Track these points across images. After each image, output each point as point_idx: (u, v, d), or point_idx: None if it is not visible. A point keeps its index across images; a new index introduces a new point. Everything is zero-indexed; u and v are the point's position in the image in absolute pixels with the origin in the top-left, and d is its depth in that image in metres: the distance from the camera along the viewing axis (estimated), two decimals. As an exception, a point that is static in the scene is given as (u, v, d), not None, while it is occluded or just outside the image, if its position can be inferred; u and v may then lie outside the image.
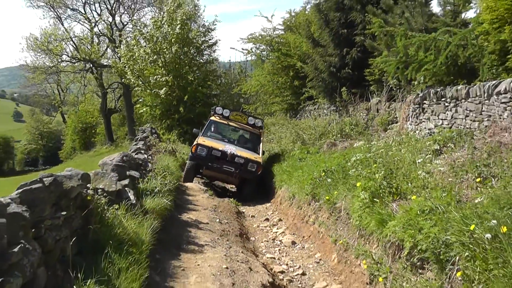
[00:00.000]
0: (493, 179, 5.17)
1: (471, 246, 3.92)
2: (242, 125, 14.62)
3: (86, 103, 43.53)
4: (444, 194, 4.92)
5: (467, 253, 3.96)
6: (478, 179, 5.16)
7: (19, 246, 3.07)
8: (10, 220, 3.16)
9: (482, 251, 3.79)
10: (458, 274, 4.02)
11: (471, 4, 9.70)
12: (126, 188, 5.99)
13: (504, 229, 3.68)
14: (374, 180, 6.26)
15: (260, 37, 22.96)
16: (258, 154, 13.59)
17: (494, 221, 3.83)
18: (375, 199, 6.01)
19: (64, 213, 4.13)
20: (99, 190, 5.38)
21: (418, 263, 4.78)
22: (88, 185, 5.01)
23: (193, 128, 16.60)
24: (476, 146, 6.34)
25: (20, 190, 3.74)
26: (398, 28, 10.23)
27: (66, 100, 48.13)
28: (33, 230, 3.58)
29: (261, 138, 14.55)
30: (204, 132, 13.97)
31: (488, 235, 3.77)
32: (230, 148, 12.83)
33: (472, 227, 3.94)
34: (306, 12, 21.59)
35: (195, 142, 12.93)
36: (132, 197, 5.90)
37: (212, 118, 14.66)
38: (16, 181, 24.38)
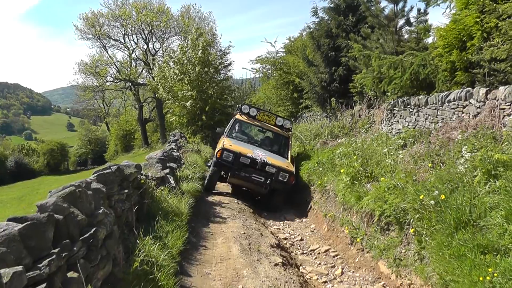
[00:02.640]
0: (441, 165, 5.67)
1: (420, 210, 4.46)
2: (270, 126, 11.34)
3: (126, 114, 44.55)
4: (403, 176, 5.44)
5: (417, 216, 4.49)
6: (429, 165, 5.67)
7: (102, 209, 3.63)
8: (94, 192, 3.73)
9: (427, 213, 4.33)
10: (411, 230, 4.55)
11: (430, 33, 10.11)
12: (167, 175, 6.55)
13: (443, 196, 4.21)
14: (354, 167, 6.78)
15: (265, 58, 23.38)
16: (287, 159, 10.34)
17: (436, 192, 4.36)
18: (354, 181, 6.53)
19: (126, 191, 4.71)
20: (149, 176, 5.95)
21: (385, 226, 5.30)
22: (142, 172, 5.58)
23: (213, 132, 16.49)
24: (431, 141, 6.82)
25: (96, 174, 4.32)
26: (374, 51, 10.71)
27: (110, 112, 49.10)
28: (107, 201, 4.16)
29: (290, 141, 11.32)
30: (228, 132, 10.91)
31: (432, 202, 4.30)
32: (260, 154, 9.57)
33: (421, 197, 4.47)
34: (303, 38, 21.99)
35: (220, 146, 9.73)
36: (172, 181, 6.46)
37: (238, 117, 11.38)
38: (72, 178, 25.09)
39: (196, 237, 5.59)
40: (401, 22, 11.90)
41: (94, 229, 3.26)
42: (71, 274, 2.53)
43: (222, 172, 9.78)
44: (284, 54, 23.07)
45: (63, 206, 3.02)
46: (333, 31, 14.61)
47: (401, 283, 4.60)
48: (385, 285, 4.88)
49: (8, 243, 2.09)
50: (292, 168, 9.56)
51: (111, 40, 35.77)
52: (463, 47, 7.68)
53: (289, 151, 10.82)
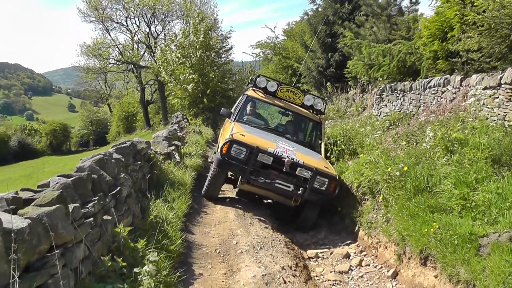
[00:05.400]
0: (415, 143, 6.49)
1: (388, 180, 5.29)
2: (296, 107, 8.11)
3: (128, 96, 45.05)
4: (378, 152, 6.26)
5: (386, 185, 5.32)
6: (404, 143, 6.48)
7: (123, 175, 4.46)
8: (115, 161, 4.55)
9: (393, 183, 5.16)
10: (380, 198, 5.39)
11: (418, 23, 10.77)
12: (173, 151, 7.38)
13: (406, 168, 5.04)
14: (338, 146, 7.58)
15: (265, 43, 24.10)
16: (320, 153, 7.31)
17: (402, 164, 5.18)
18: (339, 159, 7.35)
19: (139, 163, 5.54)
20: (157, 151, 6.77)
21: (361, 196, 6.15)
22: (151, 147, 6.40)
23: (214, 114, 16.60)
24: (410, 123, 7.62)
25: (115, 148, 5.14)
26: (367, 39, 11.41)
27: (112, 94, 49.67)
28: (125, 169, 5.00)
29: (323, 129, 8.11)
30: (238, 115, 7.74)
31: (397, 173, 5.13)
32: (286, 149, 6.47)
33: (389, 169, 5.30)
34: (302, 23, 22.55)
35: (227, 136, 6.50)
36: (177, 157, 7.29)
37: (251, 93, 8.10)
38: (75, 158, 25.89)
39: (198, 204, 6.46)
40: (394, 11, 12.59)
41: (119, 188, 4.10)
42: (106, 217, 3.38)
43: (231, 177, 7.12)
44: (285, 38, 23.65)
45: (96, 168, 3.85)
46: (330, 18, 15.22)
47: (371, 242, 5.47)
48: (358, 245, 5.77)
49: (65, 189, 2.92)
50: (333, 171, 6.43)
51: (114, 23, 36.27)
52: (445, 37, 8.37)
53: (322, 143, 7.69)
